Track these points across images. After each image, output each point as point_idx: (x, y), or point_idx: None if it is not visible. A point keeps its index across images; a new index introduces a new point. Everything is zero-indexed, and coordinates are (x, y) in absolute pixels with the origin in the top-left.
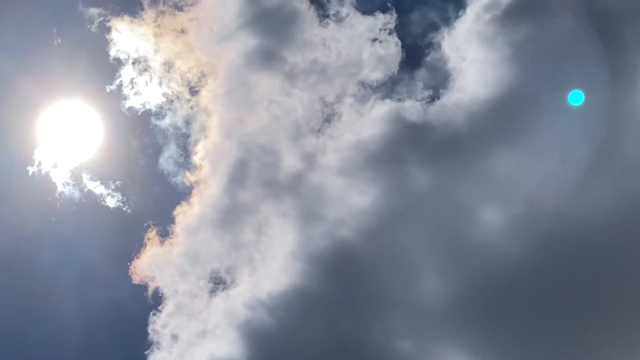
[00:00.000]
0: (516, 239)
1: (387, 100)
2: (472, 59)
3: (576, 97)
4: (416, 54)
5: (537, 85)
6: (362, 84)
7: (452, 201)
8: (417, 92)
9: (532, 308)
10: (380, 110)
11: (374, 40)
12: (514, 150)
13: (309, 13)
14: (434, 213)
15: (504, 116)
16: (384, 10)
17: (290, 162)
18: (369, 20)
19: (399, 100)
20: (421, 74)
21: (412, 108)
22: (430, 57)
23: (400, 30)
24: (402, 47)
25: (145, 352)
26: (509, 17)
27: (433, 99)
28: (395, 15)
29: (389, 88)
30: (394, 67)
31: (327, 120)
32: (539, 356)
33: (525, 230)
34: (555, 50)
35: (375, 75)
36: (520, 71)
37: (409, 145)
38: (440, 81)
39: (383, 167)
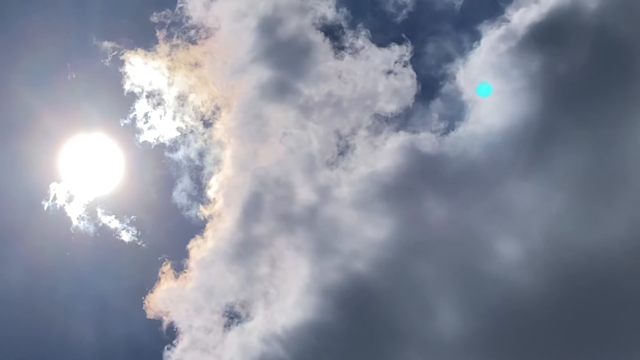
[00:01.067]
0: (534, 272)
1: (402, 132)
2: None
3: (484, 90)
4: (431, 85)
5: (553, 117)
6: (377, 116)
7: (468, 234)
8: (432, 124)
9: (550, 342)
10: (395, 142)
11: (389, 72)
12: (531, 181)
13: (323, 45)
14: (450, 246)
15: (520, 147)
16: (399, 42)
17: (305, 195)
18: (384, 53)
19: (414, 132)
20: (436, 105)
21: (427, 140)
22: (445, 89)
23: (415, 62)
24: (417, 78)
25: None
26: (523, 48)
27: (448, 130)
28: (410, 47)
29: (403, 120)
30: (409, 99)
31: (342, 152)
32: None
33: (543, 263)
34: (571, 81)
35: (390, 107)
36: (536, 102)
37: (424, 177)
38: (455, 113)
39: (398, 199)
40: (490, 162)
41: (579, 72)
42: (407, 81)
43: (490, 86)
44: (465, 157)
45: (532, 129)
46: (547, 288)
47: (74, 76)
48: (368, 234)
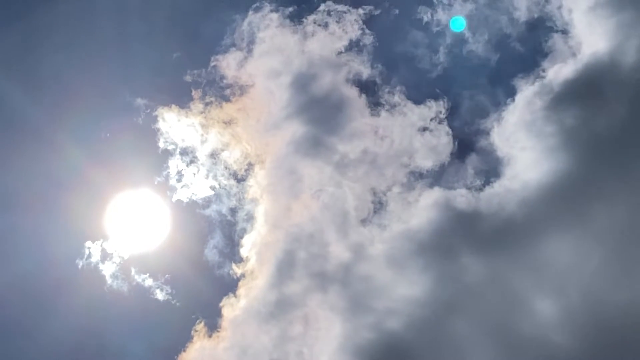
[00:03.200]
0: (571, 331)
1: (437, 188)
2: (523, 146)
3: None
4: (467, 142)
5: (590, 172)
6: (412, 173)
7: (503, 292)
8: (467, 180)
9: None
10: (430, 198)
11: (424, 129)
12: (568, 238)
13: (359, 102)
14: (485, 304)
15: (557, 204)
16: (435, 98)
17: (339, 252)
18: (419, 109)
19: (450, 188)
20: (472, 161)
21: (462, 196)
22: (481, 145)
23: (450, 118)
24: (453, 135)
25: None
26: (559, 104)
27: (484, 186)
28: (445, 104)
29: (439, 176)
30: (445, 155)
31: (376, 209)
32: None
33: (581, 322)
34: (609, 136)
35: (426, 163)
36: (572, 158)
37: (459, 233)
38: (491, 169)
39: (433, 256)
40: (527, 218)
41: (616, 127)
42: (443, 138)
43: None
44: (501, 213)
45: (569, 185)
46: (585, 348)
47: (108, 135)
48: (402, 291)
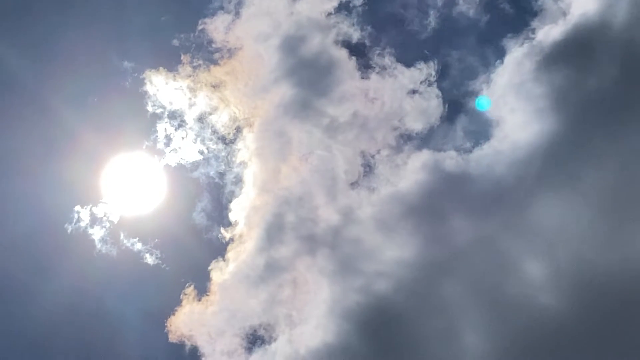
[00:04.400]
0: (560, 292)
1: (426, 151)
2: (513, 107)
3: (483, 104)
4: (456, 104)
5: (579, 133)
6: (402, 136)
7: (492, 253)
8: (457, 142)
9: None
10: (420, 161)
11: (414, 92)
12: (557, 199)
13: (348, 64)
14: (474, 266)
15: (546, 165)
16: (425, 60)
17: (328, 216)
18: (410, 72)
19: (439, 150)
20: (461, 123)
21: (451, 158)
22: (470, 107)
23: (440, 80)
24: (442, 97)
25: None
26: (549, 65)
27: (473, 148)
28: (435, 66)
29: (428, 139)
30: (434, 118)
31: (366, 172)
32: None
33: (570, 283)
34: (598, 97)
35: (415, 126)
36: (562, 119)
37: (449, 196)
38: (480, 131)
39: (423, 219)
40: (516, 180)
41: (606, 87)
42: (433, 100)
43: (489, 99)
44: (490, 175)
45: (558, 147)
46: (574, 309)
47: (95, 100)
48: (391, 254)
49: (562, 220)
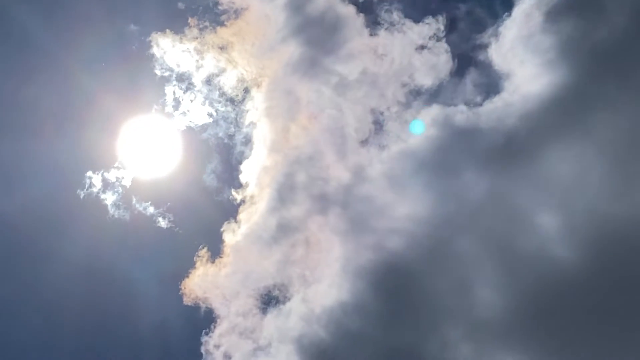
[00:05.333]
0: (573, 245)
1: (436, 106)
2: (522, 60)
3: (417, 127)
4: (465, 58)
5: (590, 84)
6: (412, 92)
7: (506, 208)
8: (467, 96)
9: (590, 317)
10: (430, 116)
11: (423, 47)
12: (569, 151)
13: (356, 21)
14: (487, 220)
15: (557, 116)
16: (433, 14)
17: (339, 174)
18: (418, 27)
19: (449, 105)
20: (470, 77)
21: (462, 113)
22: (479, 61)
23: (449, 35)
24: (451, 52)
25: None
26: (557, 16)
27: (483, 102)
28: (443, 20)
29: (438, 94)
30: (443, 73)
31: (376, 130)
32: None
33: (583, 236)
34: (609, 47)
35: (425, 82)
36: (572, 70)
37: (460, 150)
38: (490, 84)
39: (435, 174)
40: (527, 132)
41: (615, 36)
42: (442, 55)
43: (422, 123)
44: (501, 128)
45: (569, 97)
46: (588, 261)
47: (104, 65)
48: (403, 211)
49: (574, 172)
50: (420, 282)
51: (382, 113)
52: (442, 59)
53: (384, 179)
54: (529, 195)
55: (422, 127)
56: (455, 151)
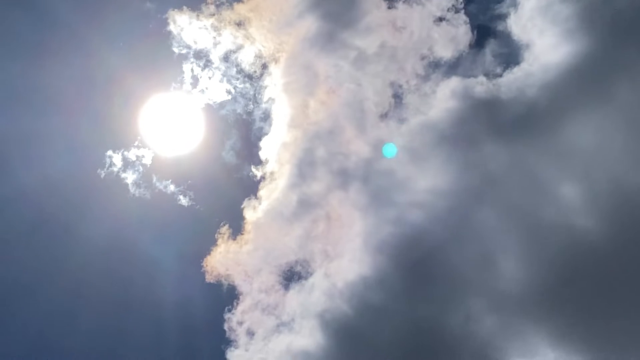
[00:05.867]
0: (597, 215)
1: (455, 78)
2: (541, 29)
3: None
4: (484, 29)
5: (611, 52)
6: (431, 64)
7: (527, 179)
8: (486, 67)
9: (614, 286)
10: (449, 88)
11: (442, 19)
12: (592, 120)
13: None
14: (509, 192)
15: (579, 86)
16: None
17: (359, 149)
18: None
19: (468, 76)
20: (490, 48)
21: (481, 84)
22: (498, 31)
23: (468, 6)
24: (470, 23)
25: (224, 349)
26: None
27: (503, 72)
28: None
29: (457, 66)
30: (462, 44)
31: (396, 103)
32: (623, 336)
33: (606, 205)
34: (629, 13)
35: (444, 54)
36: (592, 38)
37: (480, 122)
38: (509, 55)
39: (455, 147)
40: (548, 102)
41: (636, 4)
42: (461, 27)
43: (395, 147)
44: (521, 98)
45: (589, 66)
46: (610, 230)
47: (122, 44)
48: (424, 184)
49: (596, 141)
50: (442, 255)
51: (401, 86)
52: (461, 31)
53: (404, 152)
54: (550, 165)
55: (394, 151)
56: (475, 123)
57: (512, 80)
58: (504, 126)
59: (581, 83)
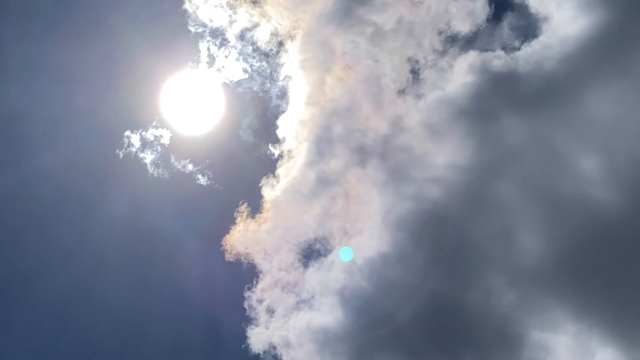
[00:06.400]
0: (617, 188)
1: (473, 52)
2: (559, 1)
3: (345, 254)
4: (502, 2)
5: (630, 23)
6: (448, 39)
7: (546, 152)
8: (504, 41)
9: (634, 260)
10: (467, 63)
11: None
12: (611, 92)
13: None
14: (528, 166)
15: (598, 58)
16: None
17: (376, 125)
18: None
19: (486, 50)
20: (507, 22)
21: (499, 58)
22: (517, 3)
23: None
24: None
25: (244, 327)
26: None
27: (521, 46)
28: None
29: (474, 40)
30: (480, 18)
31: (413, 79)
32: None
33: (626, 178)
34: None
35: (461, 28)
36: (611, 9)
37: (499, 96)
38: (527, 28)
39: (473, 121)
40: (567, 75)
41: None
42: (477, 0)
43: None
44: (539, 72)
45: (608, 38)
46: (630, 204)
47: (137, 24)
48: (442, 159)
49: (615, 114)
50: (461, 230)
51: (417, 62)
52: (478, 4)
53: (422, 128)
54: (569, 139)
55: (350, 254)
56: (493, 97)
57: (530, 53)
58: (523, 100)
59: (600, 55)
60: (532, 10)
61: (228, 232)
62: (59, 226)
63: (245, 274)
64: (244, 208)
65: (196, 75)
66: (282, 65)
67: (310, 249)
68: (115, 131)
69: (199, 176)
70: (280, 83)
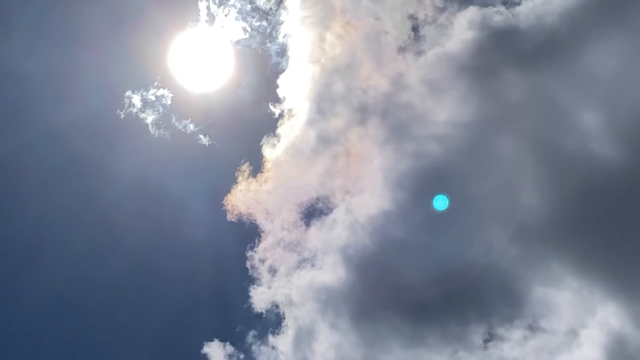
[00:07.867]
0: (618, 143)
1: (472, 8)
2: None
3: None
4: None
5: None
6: None
7: (548, 108)
8: None
9: (636, 215)
10: (466, 19)
11: None
12: (613, 46)
13: None
14: (529, 122)
15: (600, 11)
16: None
17: (377, 83)
18: None
19: (486, 5)
20: None
21: (499, 13)
22: None
23: None
24: None
25: (246, 286)
26: None
27: (522, 1)
28: None
29: None
30: None
31: (414, 36)
32: None
33: (629, 132)
34: None
35: None
36: None
37: (500, 52)
38: None
39: (474, 78)
40: (568, 29)
41: None
42: None
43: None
44: (540, 26)
45: None
46: (632, 159)
47: None
48: (444, 116)
49: (618, 68)
50: (463, 187)
51: (417, 18)
52: None
53: (423, 85)
54: (571, 94)
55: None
56: (494, 53)
57: (531, 8)
58: (524, 55)
59: (601, 9)
60: None
61: (230, 192)
62: (60, 186)
63: (247, 233)
64: (245, 167)
65: (196, 35)
66: (282, 23)
67: (312, 208)
68: (115, 92)
69: (201, 136)
70: (280, 41)
